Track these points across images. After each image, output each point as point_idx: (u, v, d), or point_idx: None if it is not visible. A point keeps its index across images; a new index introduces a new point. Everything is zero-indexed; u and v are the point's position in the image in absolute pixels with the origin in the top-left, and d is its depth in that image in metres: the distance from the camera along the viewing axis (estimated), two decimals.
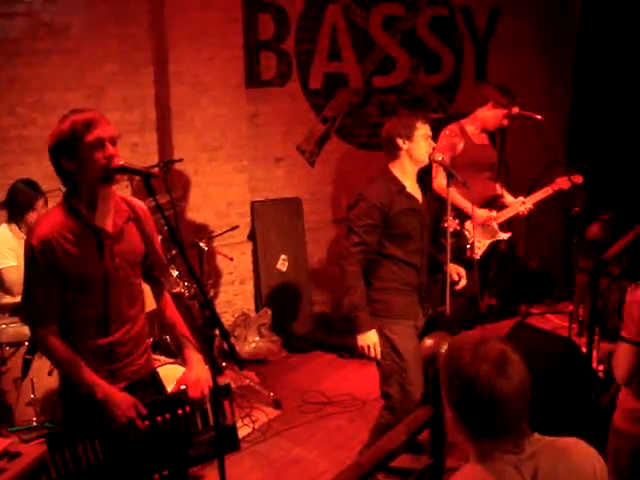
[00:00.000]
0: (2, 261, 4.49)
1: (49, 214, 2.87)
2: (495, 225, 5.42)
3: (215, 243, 5.88)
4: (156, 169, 5.29)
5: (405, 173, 4.00)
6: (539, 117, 5.41)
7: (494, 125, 5.40)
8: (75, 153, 2.73)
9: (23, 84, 5.32)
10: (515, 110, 5.35)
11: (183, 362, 3.16)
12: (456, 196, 5.06)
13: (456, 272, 4.15)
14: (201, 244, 5.23)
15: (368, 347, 3.95)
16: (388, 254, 3.97)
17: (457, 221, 5.18)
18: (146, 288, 3.18)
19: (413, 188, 4.03)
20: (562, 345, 4.32)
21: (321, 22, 6.45)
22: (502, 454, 1.90)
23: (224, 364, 5.31)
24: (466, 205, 5.11)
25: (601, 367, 4.57)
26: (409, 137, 3.93)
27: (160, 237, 4.90)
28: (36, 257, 2.74)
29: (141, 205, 3.08)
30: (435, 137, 4.17)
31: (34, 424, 4.17)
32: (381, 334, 3.98)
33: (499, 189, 5.57)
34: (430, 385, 3.41)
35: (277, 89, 6.38)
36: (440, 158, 3.99)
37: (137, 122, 5.77)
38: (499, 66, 7.09)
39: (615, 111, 6.83)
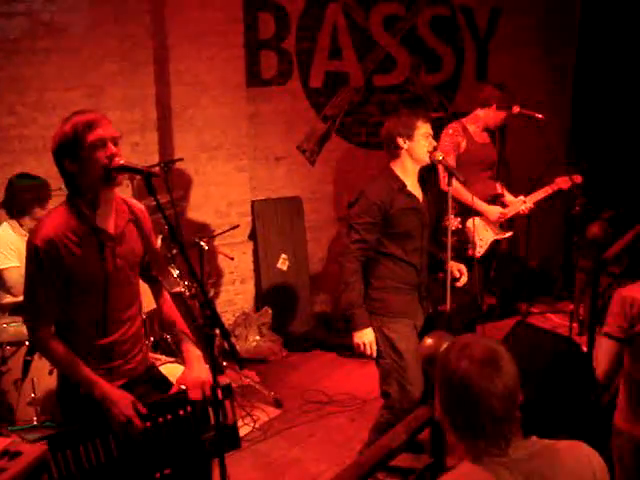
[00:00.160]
0: (3, 261, 4.48)
1: (52, 214, 2.87)
2: (497, 224, 5.43)
3: (216, 242, 5.88)
4: (157, 168, 5.28)
5: (406, 172, 4.00)
6: (540, 116, 5.41)
7: (495, 125, 5.42)
8: (77, 154, 2.74)
9: (23, 83, 5.32)
10: (516, 109, 5.35)
11: (183, 360, 3.15)
12: (465, 194, 5.08)
13: (457, 269, 4.15)
14: (202, 243, 5.23)
15: (364, 345, 3.96)
16: (387, 253, 3.97)
17: (459, 219, 5.19)
18: (145, 287, 3.19)
19: (414, 187, 4.03)
20: (563, 344, 4.31)
21: (322, 21, 6.45)
22: (491, 455, 1.90)
23: (225, 363, 5.31)
24: (477, 203, 5.15)
25: None
26: (409, 136, 3.92)
27: (161, 236, 4.93)
28: (40, 257, 2.75)
29: (139, 206, 3.09)
30: (436, 136, 4.16)
31: (35, 423, 4.18)
32: (380, 333, 3.98)
33: (499, 188, 5.58)
34: (430, 384, 3.41)
35: (278, 88, 6.38)
36: (441, 157, 3.99)
37: (138, 121, 5.77)
38: (500, 65, 7.10)
39: (616, 110, 6.83)
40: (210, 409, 2.96)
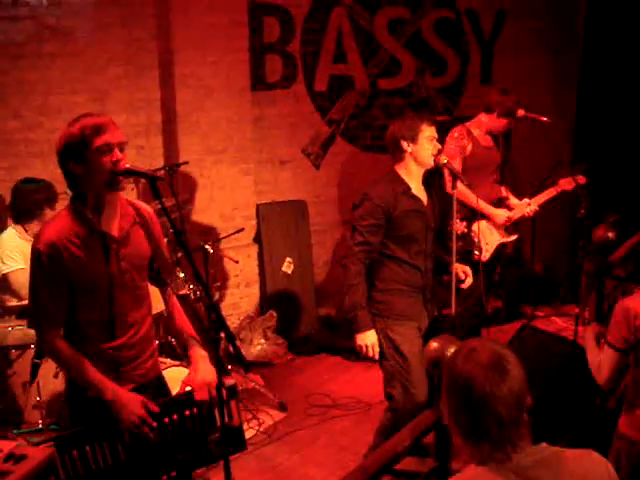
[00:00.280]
0: (10, 264, 4.50)
1: (55, 219, 2.88)
2: (502, 227, 5.44)
3: (221, 246, 5.89)
4: (162, 172, 5.29)
5: (410, 175, 4.00)
6: (545, 119, 5.40)
7: (498, 130, 5.41)
8: (83, 157, 2.74)
9: (28, 87, 5.33)
10: (521, 113, 5.34)
11: (189, 363, 3.15)
12: (471, 197, 5.09)
13: (462, 270, 4.15)
14: (207, 247, 5.23)
15: (366, 347, 3.96)
16: (392, 255, 3.98)
17: (464, 223, 5.20)
18: (152, 290, 3.19)
19: (418, 190, 4.03)
20: (568, 348, 4.31)
21: (326, 24, 6.45)
22: (496, 460, 1.90)
23: (230, 367, 5.31)
24: (483, 206, 5.16)
25: None
26: (413, 139, 3.93)
27: (166, 240, 4.93)
28: (43, 261, 2.75)
29: (147, 208, 3.08)
30: (441, 139, 4.16)
31: (40, 426, 4.19)
32: (384, 335, 3.98)
33: (504, 191, 5.58)
34: (435, 388, 3.41)
35: (282, 92, 6.38)
36: (445, 161, 3.99)
37: (143, 125, 5.78)
38: (505, 68, 7.10)
39: (621, 113, 6.81)
40: (216, 410, 2.96)
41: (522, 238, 6.07)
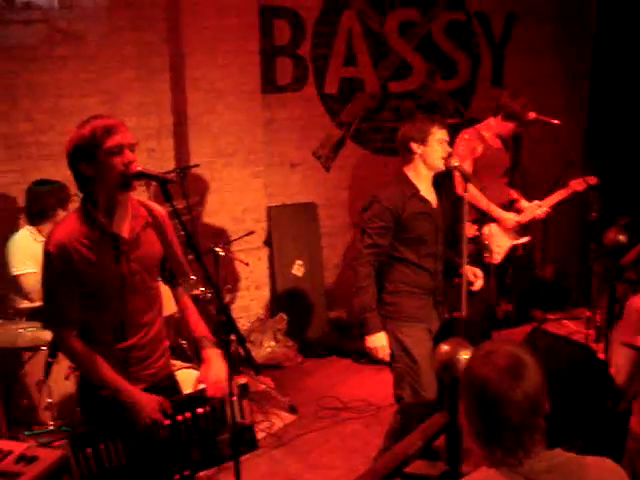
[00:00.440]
0: (21, 267, 4.52)
1: (65, 220, 2.88)
2: (513, 229, 5.42)
3: (231, 248, 5.89)
4: (173, 175, 5.30)
5: (419, 177, 4.00)
6: (556, 122, 5.38)
7: (506, 133, 5.38)
8: (94, 158, 2.74)
9: (40, 90, 5.35)
10: (532, 116, 5.33)
11: (200, 365, 3.15)
12: (482, 201, 5.08)
13: (472, 273, 4.14)
14: (217, 249, 5.24)
15: (376, 349, 3.96)
16: (401, 257, 3.98)
17: (475, 226, 5.19)
18: (164, 291, 3.19)
19: (427, 192, 4.03)
20: (579, 351, 4.29)
21: (337, 27, 6.46)
22: (509, 464, 1.89)
23: (240, 369, 5.31)
24: (493, 209, 5.14)
25: None
26: (423, 142, 3.92)
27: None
28: (54, 262, 2.76)
29: (159, 209, 3.09)
30: (451, 142, 4.16)
31: (51, 428, 4.20)
32: (394, 337, 3.98)
33: (515, 194, 5.56)
34: (446, 391, 3.40)
35: (293, 94, 6.39)
36: (456, 164, 3.98)
37: (154, 128, 5.80)
38: (515, 71, 7.09)
39: (633, 115, 6.79)
40: (228, 409, 2.97)
41: (533, 241, 6.04)
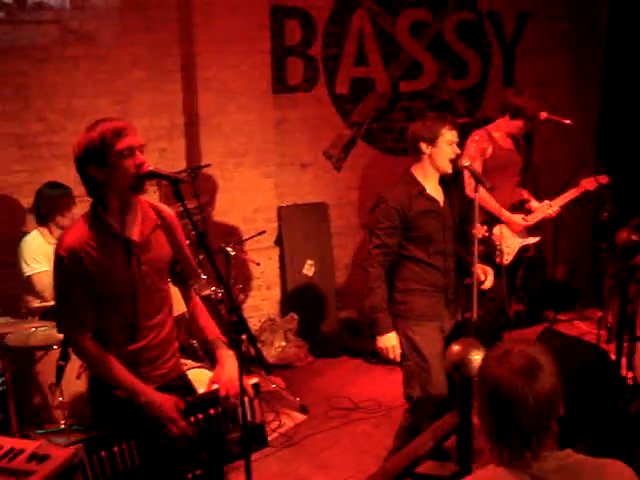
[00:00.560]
0: (34, 266, 4.55)
1: (76, 224, 2.88)
2: (524, 229, 5.41)
3: (242, 248, 5.90)
4: (184, 175, 5.32)
5: (427, 176, 4.00)
6: (568, 121, 5.37)
7: (517, 132, 5.36)
8: (105, 162, 2.74)
9: (52, 90, 5.37)
10: (544, 115, 5.31)
11: (212, 365, 3.16)
12: (491, 203, 5.07)
13: (483, 271, 4.13)
14: (228, 249, 5.25)
15: (387, 349, 3.96)
16: (410, 256, 3.98)
17: (485, 227, 5.17)
18: (174, 292, 3.20)
19: (434, 190, 4.03)
20: (590, 352, 4.28)
21: (348, 27, 6.46)
22: (518, 465, 1.88)
23: (251, 369, 5.32)
24: (502, 212, 5.13)
25: (630, 374, 4.52)
26: (433, 142, 3.92)
27: (188, 242, 4.96)
28: (66, 265, 2.76)
29: (168, 210, 3.09)
30: (461, 142, 4.15)
31: (62, 426, 4.22)
32: (404, 335, 3.99)
33: (526, 194, 5.55)
34: (457, 391, 3.40)
35: (304, 94, 6.39)
36: (467, 163, 3.98)
37: (165, 128, 5.82)
38: (526, 71, 7.07)
39: None
40: (239, 409, 2.97)
41: (544, 241, 6.02)
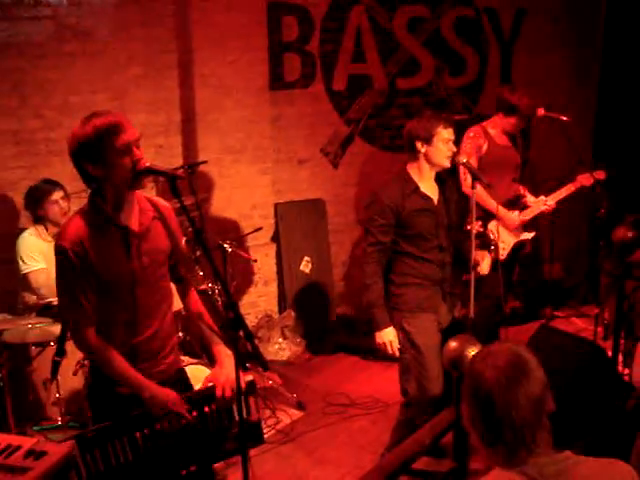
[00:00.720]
0: (30, 264, 4.55)
1: (76, 216, 2.88)
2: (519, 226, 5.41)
3: (239, 245, 5.90)
4: (181, 171, 5.31)
5: (422, 174, 4.01)
6: (565, 118, 5.37)
7: (511, 128, 5.35)
8: (101, 158, 2.73)
9: (49, 87, 5.36)
10: (541, 112, 5.31)
11: (209, 360, 3.16)
12: (487, 199, 5.07)
13: (481, 256, 4.15)
14: (225, 245, 5.24)
15: (385, 344, 3.98)
16: (404, 252, 4.00)
17: (480, 223, 5.16)
18: (172, 287, 3.19)
19: (429, 188, 4.04)
20: (587, 349, 4.28)
21: (345, 24, 6.44)
22: (515, 462, 1.88)
23: (248, 365, 5.31)
24: (498, 209, 5.13)
25: (626, 371, 4.53)
26: (428, 141, 3.92)
27: (185, 238, 4.95)
28: (70, 257, 2.75)
29: (164, 203, 3.09)
30: (458, 139, 4.14)
31: (59, 423, 4.22)
32: (400, 327, 4.02)
33: (522, 190, 5.55)
34: (454, 387, 3.40)
35: (301, 91, 6.38)
36: (464, 160, 3.98)
37: (162, 124, 5.81)
38: (524, 67, 7.06)
39: None
40: (235, 406, 2.98)
41: (541, 238, 6.03)
